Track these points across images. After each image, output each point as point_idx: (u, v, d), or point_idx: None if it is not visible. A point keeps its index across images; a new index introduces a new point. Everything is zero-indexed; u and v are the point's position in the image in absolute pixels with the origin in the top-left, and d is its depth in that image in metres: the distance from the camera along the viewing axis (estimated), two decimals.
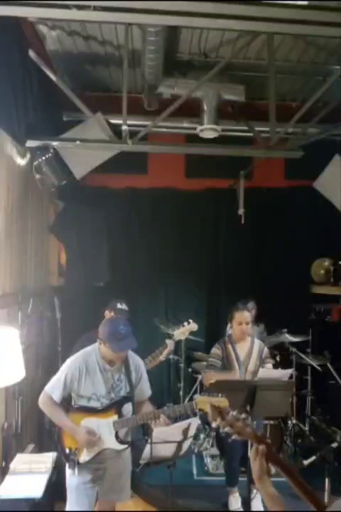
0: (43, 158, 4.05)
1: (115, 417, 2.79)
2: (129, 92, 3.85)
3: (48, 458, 3.31)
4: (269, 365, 3.90)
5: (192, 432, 3.03)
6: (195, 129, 4.69)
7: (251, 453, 1.63)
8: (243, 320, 3.83)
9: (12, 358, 2.61)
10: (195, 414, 3.44)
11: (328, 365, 5.14)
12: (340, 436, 3.45)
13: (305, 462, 2.85)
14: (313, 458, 2.82)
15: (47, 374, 3.69)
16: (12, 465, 3.23)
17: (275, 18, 2.73)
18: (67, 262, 5.67)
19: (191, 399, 5.21)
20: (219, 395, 2.66)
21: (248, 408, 3.25)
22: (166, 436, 2.89)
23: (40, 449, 4.01)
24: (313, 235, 5.75)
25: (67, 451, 2.79)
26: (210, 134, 4.62)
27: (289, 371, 3.85)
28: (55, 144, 4.01)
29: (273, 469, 1.62)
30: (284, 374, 3.77)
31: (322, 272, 5.75)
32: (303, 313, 5.74)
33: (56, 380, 2.81)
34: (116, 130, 4.05)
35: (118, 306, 3.87)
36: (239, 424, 1.67)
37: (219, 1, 2.62)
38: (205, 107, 4.55)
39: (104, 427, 2.79)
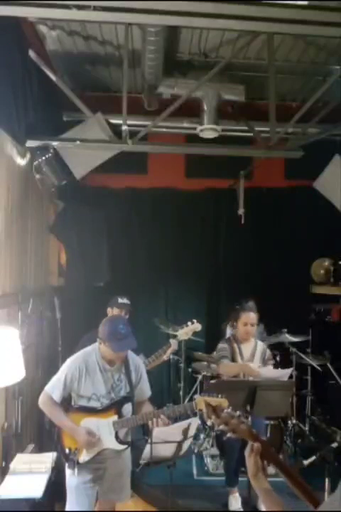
0: (43, 158, 4.05)
1: (115, 417, 2.79)
2: (129, 92, 3.85)
3: (48, 458, 3.31)
4: (270, 367, 3.90)
5: (192, 432, 3.03)
6: (195, 129, 4.69)
7: (246, 451, 1.62)
8: (249, 321, 3.83)
9: (12, 358, 2.61)
10: (195, 414, 3.44)
11: (328, 365, 5.14)
12: (340, 436, 3.45)
13: (305, 462, 2.84)
14: (313, 458, 2.81)
15: (47, 374, 3.69)
16: (12, 465, 3.23)
17: (275, 18, 2.73)
18: (67, 262, 5.67)
19: (191, 399, 5.21)
20: (219, 395, 2.66)
21: (248, 408, 3.26)
22: (166, 436, 2.89)
23: (40, 449, 4.01)
24: (313, 235, 5.75)
25: (67, 451, 2.79)
26: (210, 134, 4.62)
27: (289, 370, 3.85)
28: (55, 143, 4.01)
29: (272, 470, 1.61)
30: (284, 373, 3.77)
31: (322, 271, 5.76)
32: (303, 313, 5.73)
33: (56, 380, 2.81)
34: (116, 130, 4.05)
35: (120, 300, 3.87)
36: (233, 422, 1.65)
37: (219, 1, 2.62)
38: (205, 107, 4.55)
39: (104, 427, 2.79)
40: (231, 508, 3.89)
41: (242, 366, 3.74)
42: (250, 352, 3.89)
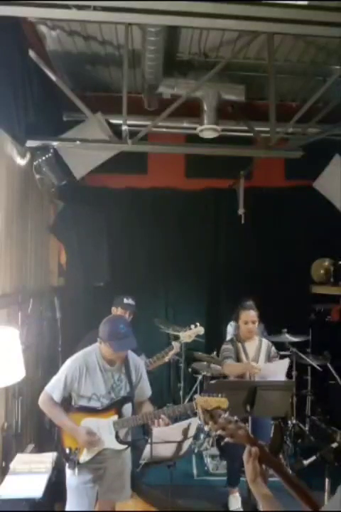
0: (43, 158, 4.05)
1: (115, 417, 2.79)
2: (129, 92, 3.85)
3: (48, 458, 3.30)
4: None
5: (192, 432, 3.03)
6: (195, 129, 4.69)
7: (244, 455, 1.60)
8: (249, 319, 3.83)
9: (12, 358, 2.60)
10: (195, 414, 3.43)
11: (328, 365, 5.14)
12: (340, 436, 3.44)
13: (305, 462, 2.83)
14: (313, 458, 2.80)
15: (47, 374, 3.69)
16: (12, 465, 3.23)
17: (275, 18, 2.73)
18: (67, 262, 5.67)
19: (191, 399, 5.21)
20: (219, 395, 2.66)
21: (248, 408, 3.26)
22: (166, 436, 2.89)
23: (40, 449, 4.00)
24: (313, 235, 5.75)
25: (67, 451, 2.79)
26: (210, 134, 4.62)
27: (286, 361, 3.85)
28: (55, 144, 4.02)
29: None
30: (281, 365, 3.76)
31: (322, 271, 5.76)
32: (303, 313, 5.73)
33: (56, 380, 2.81)
34: (116, 130, 4.06)
35: (125, 301, 3.86)
36: (231, 427, 1.63)
37: (219, 1, 2.62)
38: (205, 107, 4.55)
39: (104, 427, 2.79)
40: (231, 507, 3.89)
41: (246, 365, 3.74)
42: (255, 350, 3.88)
